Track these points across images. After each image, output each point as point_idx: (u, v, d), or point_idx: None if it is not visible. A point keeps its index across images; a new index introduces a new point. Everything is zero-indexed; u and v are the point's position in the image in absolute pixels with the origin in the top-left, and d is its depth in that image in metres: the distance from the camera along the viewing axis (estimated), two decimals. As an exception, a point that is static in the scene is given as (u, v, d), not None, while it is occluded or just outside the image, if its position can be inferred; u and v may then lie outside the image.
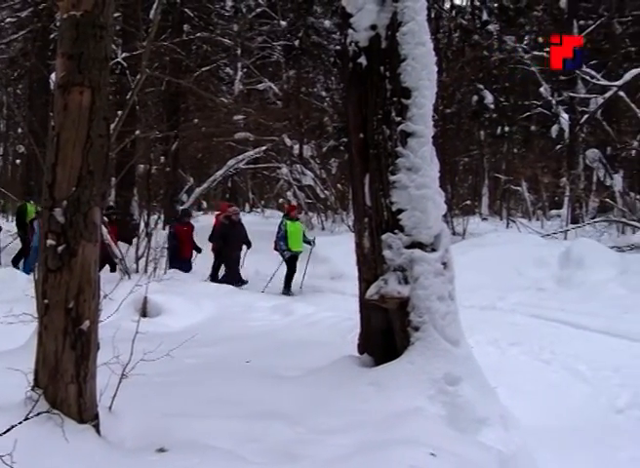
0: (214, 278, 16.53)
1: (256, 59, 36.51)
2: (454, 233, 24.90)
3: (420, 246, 6.36)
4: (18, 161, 28.00)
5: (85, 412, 4.45)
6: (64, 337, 4.34)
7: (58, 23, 6.36)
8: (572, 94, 26.81)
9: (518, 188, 37.40)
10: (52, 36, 23.97)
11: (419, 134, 6.46)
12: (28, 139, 17.90)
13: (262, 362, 7.40)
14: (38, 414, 4.21)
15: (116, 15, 21.46)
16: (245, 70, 35.91)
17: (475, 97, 28.62)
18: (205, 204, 39.90)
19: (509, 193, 38.98)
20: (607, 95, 21.27)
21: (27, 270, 14.92)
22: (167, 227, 18.25)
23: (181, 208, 25.72)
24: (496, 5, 28.51)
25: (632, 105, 19.52)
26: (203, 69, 30.41)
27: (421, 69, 6.52)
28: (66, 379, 4.36)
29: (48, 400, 4.34)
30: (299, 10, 33.13)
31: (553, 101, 28.39)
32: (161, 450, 4.55)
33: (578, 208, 28.67)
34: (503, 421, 5.76)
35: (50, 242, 4.31)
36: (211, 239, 17.18)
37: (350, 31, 6.75)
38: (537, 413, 6.86)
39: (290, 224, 16.74)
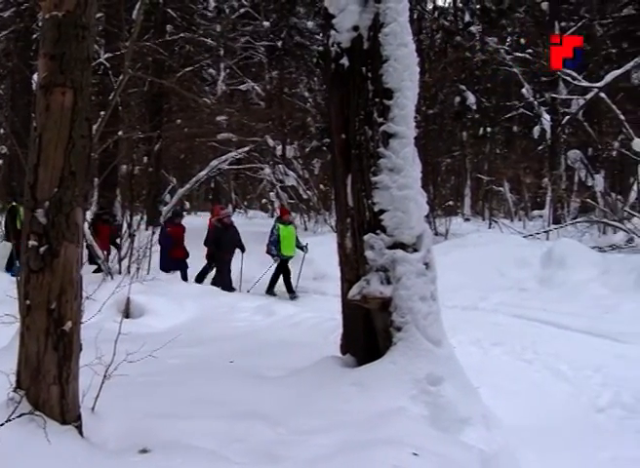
0: (199, 279, 16.38)
1: (238, 60, 36.46)
2: (436, 234, 24.97)
3: (403, 246, 6.38)
4: (0, 161, 27.88)
5: (67, 414, 4.44)
6: (47, 338, 4.32)
7: (40, 24, 6.34)
8: (553, 95, 26.94)
9: (500, 189, 37.54)
10: (34, 36, 23.88)
11: (400, 134, 6.48)
12: (10, 140, 17.77)
13: (245, 362, 7.39)
14: (20, 416, 4.21)
15: (99, 15, 21.39)
16: (228, 71, 35.90)
17: (457, 98, 28.67)
18: (188, 204, 39.80)
19: (492, 194, 39.11)
20: (588, 96, 21.38)
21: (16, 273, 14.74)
22: (150, 228, 18.14)
23: (164, 208, 25.71)
24: (478, 6, 28.57)
25: (613, 107, 19.62)
26: (186, 70, 30.39)
27: (403, 70, 6.54)
28: (49, 380, 4.35)
29: (30, 401, 4.32)
30: (281, 10, 33.10)
31: (535, 102, 28.48)
32: (144, 451, 4.54)
33: (559, 208, 28.83)
34: (486, 421, 5.79)
35: (32, 243, 4.30)
36: (206, 243, 17.00)
37: (333, 32, 6.76)
38: (519, 413, 6.89)
39: (282, 228, 16.56)
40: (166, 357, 6.74)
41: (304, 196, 30.37)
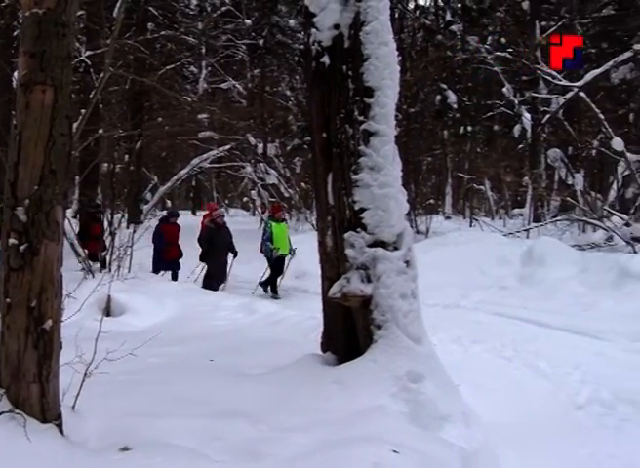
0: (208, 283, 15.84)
1: (220, 58, 36.47)
2: (417, 232, 25.04)
3: (383, 244, 6.39)
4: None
5: (48, 412, 4.43)
6: (27, 337, 4.31)
7: (20, 21, 6.32)
8: (534, 94, 27.03)
9: (481, 187, 37.73)
10: (14, 34, 23.74)
11: (381, 133, 6.49)
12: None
13: (226, 360, 7.39)
14: (0, 414, 4.19)
15: (80, 13, 21.31)
16: (209, 69, 35.90)
17: (438, 97, 28.78)
18: (169, 203, 39.74)
19: (472, 192, 39.31)
20: (568, 95, 21.44)
21: None
22: (131, 226, 18.04)
23: (145, 206, 25.67)
24: (459, 5, 28.70)
25: (592, 106, 19.69)
26: (167, 68, 30.35)
27: (384, 69, 6.55)
28: (29, 379, 4.34)
29: (10, 399, 4.31)
30: (263, 9, 33.13)
31: (516, 101, 28.58)
32: (124, 449, 4.54)
33: (539, 206, 28.97)
34: (466, 418, 5.82)
35: (12, 241, 4.29)
36: (200, 242, 16.83)
37: (313, 31, 6.76)
38: (498, 410, 6.91)
39: (275, 226, 16.49)
40: (146, 355, 6.73)
41: (286, 194, 30.40)
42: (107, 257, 13.89)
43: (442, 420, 5.60)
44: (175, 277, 16.18)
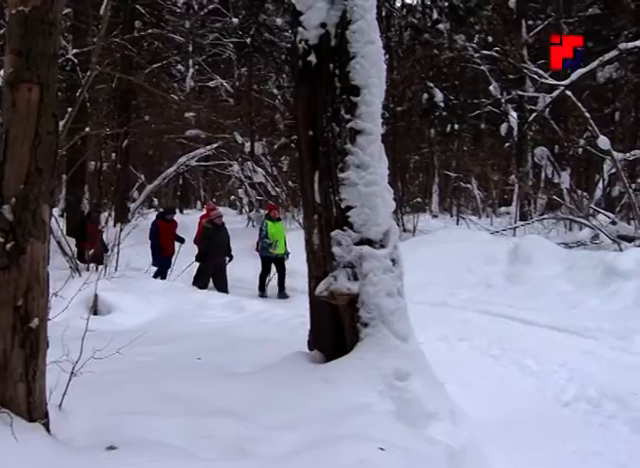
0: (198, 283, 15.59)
1: (207, 56, 36.42)
2: (404, 230, 25.04)
3: (370, 242, 6.40)
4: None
5: (34, 411, 4.42)
6: (13, 335, 4.30)
7: (6, 19, 6.29)
8: (520, 92, 27.08)
9: (468, 186, 37.75)
10: (0, 32, 23.66)
11: (368, 131, 6.50)
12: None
13: (213, 359, 7.39)
14: (-14, 413, 4.19)
15: (66, 11, 21.32)
16: (196, 67, 35.82)
17: (425, 96, 28.76)
18: (156, 201, 39.65)
19: (459, 190, 39.32)
20: (554, 94, 21.50)
21: None
22: (118, 224, 17.97)
23: (132, 205, 25.60)
24: (446, 4, 28.68)
25: (579, 104, 19.73)
26: (154, 66, 30.32)
27: (371, 67, 6.55)
28: (15, 378, 4.33)
29: (-4, 398, 4.31)
30: (250, 7, 33.01)
31: (502, 100, 28.65)
32: (111, 448, 4.53)
33: (526, 205, 29.00)
34: (452, 416, 5.84)
35: (-2, 240, 4.28)
36: (196, 241, 16.71)
37: (300, 29, 6.75)
38: (485, 408, 6.96)
39: (271, 225, 16.36)
40: (133, 354, 6.73)
41: (273, 193, 30.34)
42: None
43: (428, 418, 5.62)
44: (164, 275, 16.11)
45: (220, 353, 7.84)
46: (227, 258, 16.05)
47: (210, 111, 29.78)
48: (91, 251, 13.21)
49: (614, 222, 19.58)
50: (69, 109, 12.84)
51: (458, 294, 14.25)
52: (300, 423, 5.13)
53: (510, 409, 7.25)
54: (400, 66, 28.49)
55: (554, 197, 23.94)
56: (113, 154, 26.45)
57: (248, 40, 32.62)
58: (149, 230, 16.15)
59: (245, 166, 30.69)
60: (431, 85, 28.52)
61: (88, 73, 12.66)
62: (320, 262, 6.66)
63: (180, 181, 43.48)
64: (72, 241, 15.43)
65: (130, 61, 27.03)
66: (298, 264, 13.35)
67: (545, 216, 24.19)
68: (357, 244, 6.38)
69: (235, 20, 33.20)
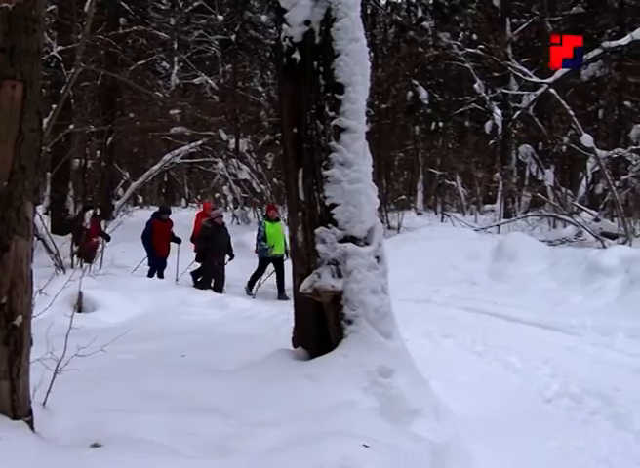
0: (202, 284, 15.46)
1: (192, 54, 36.40)
2: (389, 227, 25.14)
3: (354, 240, 6.41)
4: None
5: (18, 408, 4.41)
6: (-4, 333, 4.30)
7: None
8: (505, 90, 27.17)
9: (452, 183, 37.88)
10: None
11: (352, 129, 6.50)
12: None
13: (198, 356, 7.39)
14: (-31, 411, 4.18)
15: (51, 7, 21.23)
16: (181, 64, 35.79)
17: (410, 93, 28.86)
18: (141, 199, 39.57)
19: (444, 188, 39.45)
20: (538, 91, 21.56)
21: None
22: (102, 222, 17.90)
23: (116, 202, 25.50)
24: (431, 2, 28.75)
25: (562, 102, 19.80)
26: (139, 63, 30.26)
27: (355, 65, 6.56)
28: (-1, 375, 4.32)
29: (-21, 396, 4.30)
30: (235, 4, 33.04)
31: (487, 98, 28.73)
32: (95, 446, 4.52)
33: (510, 202, 29.14)
34: (436, 412, 5.85)
35: (-19, 237, 4.26)
36: (192, 240, 16.64)
37: (285, 26, 6.75)
38: (469, 404, 6.97)
39: (269, 225, 15.96)
40: (118, 352, 6.72)
41: (258, 190, 30.34)
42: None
43: (412, 414, 5.62)
44: (160, 275, 16.02)
45: (204, 350, 7.83)
46: (228, 257, 15.95)
47: (195, 108, 29.77)
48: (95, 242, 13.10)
49: (597, 220, 19.71)
50: (54, 106, 12.81)
51: (442, 292, 14.27)
52: (284, 420, 5.13)
53: (494, 405, 7.27)
54: (385, 64, 28.60)
55: (538, 194, 24.07)
56: (98, 151, 26.34)
57: (233, 37, 32.65)
58: (144, 230, 16.02)
59: (230, 163, 30.71)
60: (416, 82, 28.61)
61: (72, 70, 12.61)
62: (304, 259, 6.67)
63: (165, 179, 43.44)
64: (56, 238, 15.34)
65: (114, 59, 26.94)
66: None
67: (529, 214, 24.32)
68: (341, 241, 6.38)
69: (220, 17, 33.20)
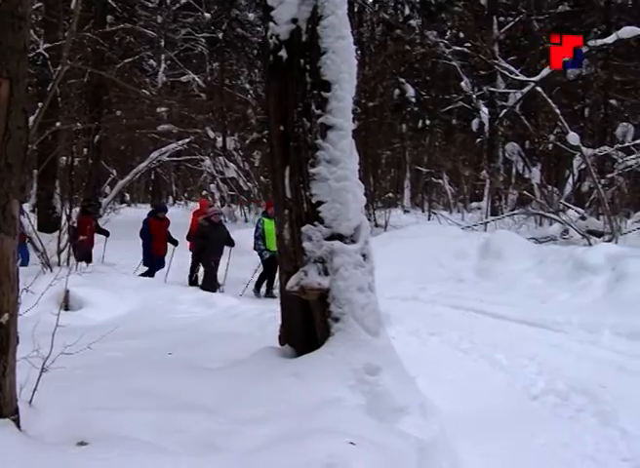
0: (193, 281, 15.53)
1: (179, 51, 36.35)
2: (376, 225, 25.16)
3: (340, 237, 6.41)
4: None
5: (5, 407, 4.39)
6: (-18, 331, 4.28)
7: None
8: (491, 88, 27.25)
9: (439, 181, 37.97)
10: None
11: (338, 126, 6.50)
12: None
13: (184, 354, 7.38)
14: (-45, 409, 4.17)
15: (38, 4, 21.16)
16: (168, 62, 35.74)
17: (397, 91, 28.91)
18: (128, 196, 39.48)
19: (431, 186, 39.51)
20: (525, 90, 21.66)
21: None
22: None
23: (104, 200, 25.42)
24: (418, 0, 28.79)
25: (549, 100, 19.87)
26: (126, 61, 30.24)
27: (342, 63, 6.55)
28: (-15, 374, 4.31)
29: (-35, 395, 4.28)
30: (223, 2, 33.00)
31: (474, 96, 28.80)
32: (81, 444, 4.51)
33: (497, 200, 29.23)
34: (423, 410, 5.86)
35: (-34, 235, 4.25)
36: (189, 238, 16.48)
37: (271, 24, 6.74)
38: (455, 401, 6.98)
39: (267, 222, 15.21)
40: (104, 349, 6.70)
41: (245, 188, 30.35)
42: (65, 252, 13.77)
43: (399, 412, 5.63)
44: (152, 274, 15.90)
45: (190, 348, 7.83)
46: (229, 248, 15.78)
47: (182, 106, 29.76)
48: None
49: (583, 218, 19.79)
50: (40, 104, 12.79)
51: (429, 289, 14.31)
52: (270, 418, 5.14)
53: (480, 402, 7.28)
54: (372, 62, 28.64)
55: (525, 192, 24.14)
56: (85, 149, 26.26)
57: (220, 35, 32.63)
58: (141, 228, 15.86)
59: (217, 161, 30.69)
60: (403, 80, 28.66)
61: (59, 68, 12.58)
62: (291, 257, 6.67)
63: (152, 176, 43.35)
64: (43, 236, 15.26)
65: (101, 56, 26.89)
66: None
67: (516, 212, 24.41)
68: (328, 239, 6.38)
69: (207, 15, 33.18)
